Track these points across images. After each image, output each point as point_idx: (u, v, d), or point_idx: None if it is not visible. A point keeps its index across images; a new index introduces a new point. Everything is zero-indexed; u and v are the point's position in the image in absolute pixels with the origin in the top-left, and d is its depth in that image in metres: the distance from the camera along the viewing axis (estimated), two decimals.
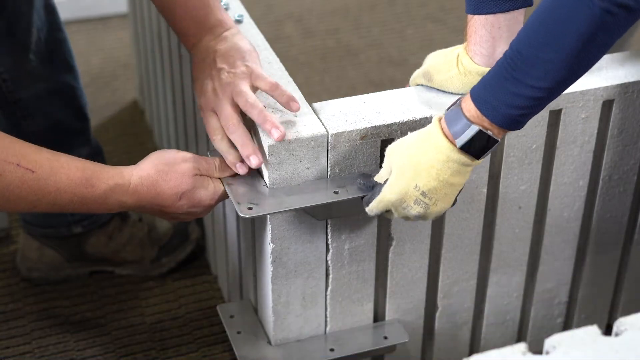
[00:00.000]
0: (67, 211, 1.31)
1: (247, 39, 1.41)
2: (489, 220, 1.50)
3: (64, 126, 1.71)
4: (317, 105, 1.37)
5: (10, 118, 1.66)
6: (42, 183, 1.25)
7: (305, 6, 2.77)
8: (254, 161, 1.29)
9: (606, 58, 1.48)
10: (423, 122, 1.35)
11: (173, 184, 1.32)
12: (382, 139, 1.34)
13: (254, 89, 1.33)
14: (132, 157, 1.65)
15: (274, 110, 1.34)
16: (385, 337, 1.50)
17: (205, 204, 1.35)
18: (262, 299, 1.50)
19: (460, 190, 1.25)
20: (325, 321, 1.49)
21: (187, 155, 1.35)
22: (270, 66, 1.47)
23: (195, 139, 1.71)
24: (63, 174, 1.27)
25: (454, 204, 1.26)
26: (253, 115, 1.30)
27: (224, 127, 1.32)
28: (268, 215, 1.34)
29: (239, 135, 1.30)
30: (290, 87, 1.41)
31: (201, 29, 1.39)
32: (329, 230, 1.39)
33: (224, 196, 1.36)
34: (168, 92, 1.89)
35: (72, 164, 1.28)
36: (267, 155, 1.30)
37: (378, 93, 1.39)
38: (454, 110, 1.21)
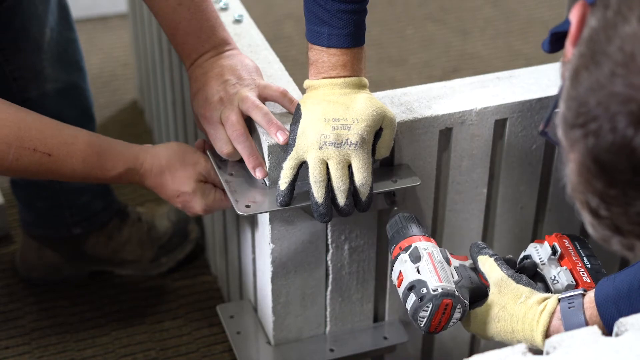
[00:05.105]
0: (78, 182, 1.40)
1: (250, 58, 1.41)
2: (489, 220, 1.50)
3: None
4: None
5: None
6: (58, 165, 1.33)
7: None
8: (259, 173, 1.30)
9: None
10: (424, 122, 1.35)
11: (178, 182, 1.38)
12: None
13: (262, 99, 1.34)
14: None
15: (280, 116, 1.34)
16: (385, 337, 1.50)
17: (196, 210, 1.40)
18: (262, 299, 1.50)
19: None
20: (325, 321, 1.49)
21: (202, 159, 1.39)
22: (270, 66, 1.47)
23: (195, 139, 1.71)
24: (79, 157, 1.34)
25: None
26: (257, 117, 1.30)
27: (229, 135, 1.32)
28: (268, 216, 1.34)
29: (245, 146, 1.30)
30: (290, 87, 1.41)
31: (204, 45, 1.39)
32: (329, 230, 1.39)
33: (218, 208, 1.42)
34: (168, 92, 1.89)
35: (89, 149, 1.35)
36: (267, 155, 1.30)
37: (378, 93, 1.39)
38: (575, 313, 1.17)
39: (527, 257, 1.29)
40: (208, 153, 1.39)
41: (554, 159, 1.47)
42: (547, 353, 0.95)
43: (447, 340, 1.60)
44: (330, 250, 1.41)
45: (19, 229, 1.94)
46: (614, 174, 0.81)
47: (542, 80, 1.43)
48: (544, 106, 1.40)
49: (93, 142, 1.36)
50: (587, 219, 0.87)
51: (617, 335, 0.97)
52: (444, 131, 1.38)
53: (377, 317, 1.53)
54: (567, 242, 1.29)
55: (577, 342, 0.95)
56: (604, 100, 0.80)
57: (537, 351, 0.96)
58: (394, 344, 1.50)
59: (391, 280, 1.25)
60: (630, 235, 0.84)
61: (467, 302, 1.20)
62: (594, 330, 0.96)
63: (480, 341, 1.63)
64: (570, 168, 0.85)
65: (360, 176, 1.25)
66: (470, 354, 1.63)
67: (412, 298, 1.18)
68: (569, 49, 0.89)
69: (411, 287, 1.19)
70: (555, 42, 1.16)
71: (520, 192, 1.48)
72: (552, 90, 1.40)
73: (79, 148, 1.34)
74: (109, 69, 2.56)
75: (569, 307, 1.16)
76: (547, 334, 1.16)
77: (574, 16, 0.88)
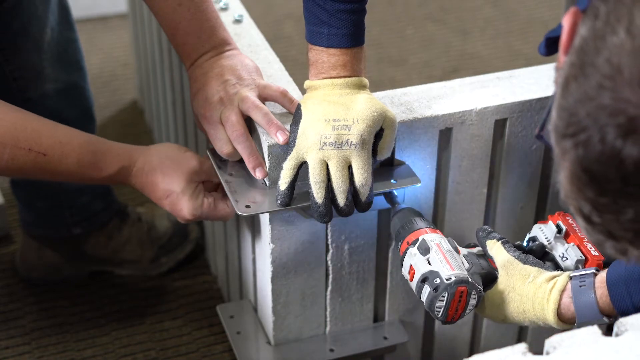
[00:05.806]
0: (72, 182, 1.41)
1: (250, 58, 1.41)
2: (489, 220, 1.50)
3: (71, 126, 1.70)
4: None
5: None
6: (53, 165, 1.33)
7: None
8: (259, 174, 1.30)
9: None
10: (424, 122, 1.35)
11: (168, 180, 1.36)
12: None
13: (262, 99, 1.34)
14: None
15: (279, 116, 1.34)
16: (385, 337, 1.50)
17: (184, 214, 1.37)
18: (262, 299, 1.50)
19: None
20: (325, 321, 1.49)
21: (195, 162, 1.37)
22: (270, 66, 1.47)
23: (195, 139, 1.71)
24: (74, 156, 1.34)
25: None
26: (257, 117, 1.30)
27: (229, 136, 1.31)
28: (268, 216, 1.34)
29: (245, 147, 1.30)
30: (290, 87, 1.41)
31: (204, 45, 1.39)
32: (329, 230, 1.39)
33: (206, 217, 1.39)
34: (168, 92, 1.89)
35: (84, 148, 1.34)
36: (267, 155, 1.30)
37: (378, 93, 1.39)
38: (585, 295, 1.16)
39: (533, 238, 1.29)
40: (208, 153, 1.39)
41: (554, 159, 1.47)
42: (547, 353, 0.95)
43: (447, 340, 1.60)
44: (330, 250, 1.41)
45: (19, 229, 1.94)
46: (603, 183, 0.82)
47: (542, 80, 1.43)
48: (544, 106, 1.40)
49: (88, 141, 1.36)
50: (581, 224, 0.88)
51: (617, 335, 0.97)
52: (444, 131, 1.38)
53: (377, 317, 1.53)
54: (570, 219, 1.29)
55: (577, 342, 0.95)
56: (593, 112, 0.80)
57: (537, 351, 0.96)
58: (394, 344, 1.50)
59: (402, 276, 1.26)
60: (622, 240, 0.85)
61: (481, 288, 1.21)
62: (594, 330, 0.96)
63: (481, 341, 1.63)
64: (563, 175, 0.86)
65: (361, 177, 1.25)
66: (470, 354, 1.63)
67: (426, 290, 1.18)
68: (561, 56, 0.89)
69: (424, 279, 1.19)
70: (551, 46, 1.17)
71: (520, 192, 1.48)
72: (552, 91, 1.40)
73: (74, 147, 1.34)
74: (109, 69, 2.56)
75: (580, 286, 1.16)
76: (558, 312, 1.17)
77: (565, 23, 0.89)
